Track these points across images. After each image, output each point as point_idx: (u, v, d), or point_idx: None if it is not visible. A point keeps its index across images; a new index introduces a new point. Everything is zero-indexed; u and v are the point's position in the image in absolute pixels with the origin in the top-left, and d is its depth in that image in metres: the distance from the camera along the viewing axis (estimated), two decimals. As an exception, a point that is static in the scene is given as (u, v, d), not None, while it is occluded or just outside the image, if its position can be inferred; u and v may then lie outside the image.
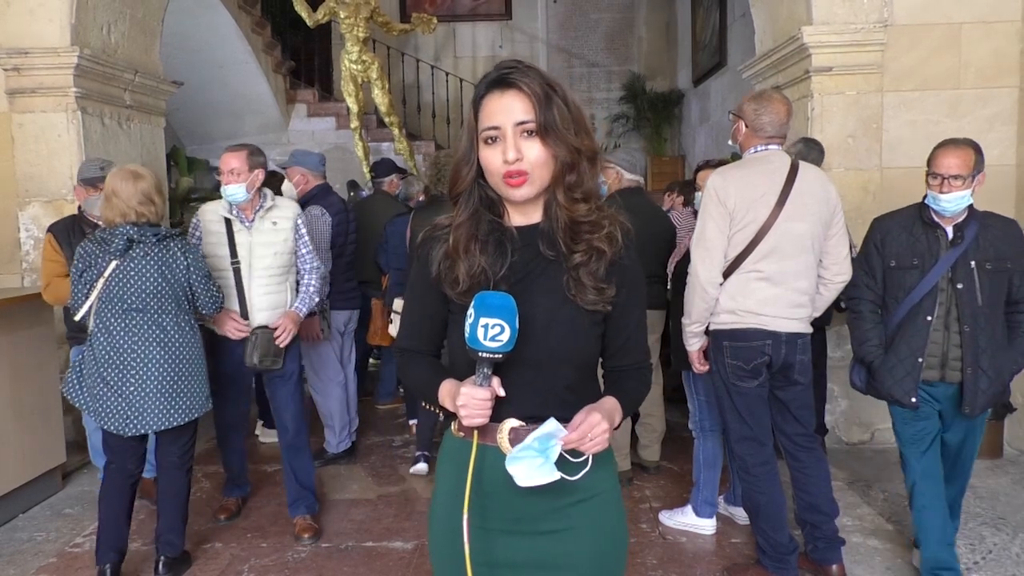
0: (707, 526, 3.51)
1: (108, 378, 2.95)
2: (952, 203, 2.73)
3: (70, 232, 3.61)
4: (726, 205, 2.83)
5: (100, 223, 3.29)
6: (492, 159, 1.41)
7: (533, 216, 1.48)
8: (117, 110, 4.93)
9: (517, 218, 1.48)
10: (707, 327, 2.99)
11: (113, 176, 3.04)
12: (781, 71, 4.83)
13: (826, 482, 3.05)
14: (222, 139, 8.71)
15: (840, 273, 2.97)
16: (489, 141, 1.41)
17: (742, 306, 2.86)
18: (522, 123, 1.39)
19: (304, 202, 4.38)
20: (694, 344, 3.05)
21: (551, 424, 1.36)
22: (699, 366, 3.10)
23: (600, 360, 1.56)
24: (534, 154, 1.39)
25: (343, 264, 4.53)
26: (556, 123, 1.39)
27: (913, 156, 4.17)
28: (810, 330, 2.96)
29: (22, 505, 3.88)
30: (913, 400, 2.81)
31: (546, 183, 1.43)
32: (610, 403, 1.46)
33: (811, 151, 3.99)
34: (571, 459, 1.39)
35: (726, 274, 2.88)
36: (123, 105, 4.98)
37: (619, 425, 1.49)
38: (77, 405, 3.04)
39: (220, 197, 3.45)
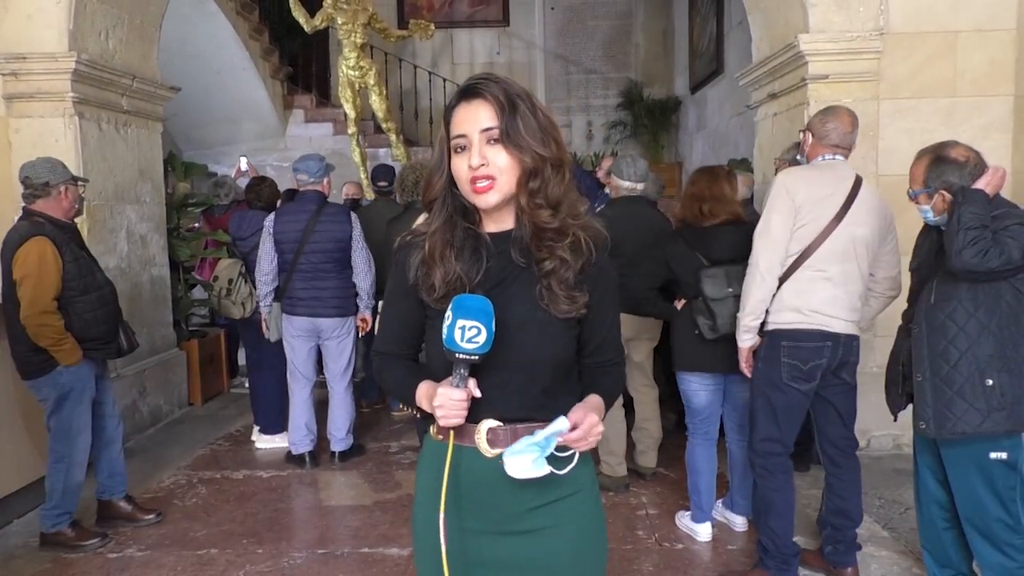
0: (703, 532, 3.51)
1: None
2: (924, 215, 2.63)
3: (69, 238, 3.47)
4: (794, 200, 2.87)
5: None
6: (461, 167, 1.45)
7: (505, 223, 1.51)
8: (114, 115, 4.93)
9: (490, 225, 1.52)
10: (762, 327, 2.98)
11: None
12: (778, 78, 4.85)
13: (859, 489, 3.09)
14: (219, 144, 8.71)
15: (892, 288, 3.02)
16: (458, 150, 1.45)
17: (807, 305, 2.87)
18: (487, 129, 1.42)
19: None
20: (747, 341, 3.02)
21: (561, 422, 1.38)
22: (745, 365, 3.06)
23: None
24: (500, 160, 1.43)
25: (300, 273, 4.42)
26: (519, 130, 1.42)
27: (908, 164, 4.15)
28: (860, 333, 3.01)
29: (17, 510, 3.86)
30: (897, 412, 2.76)
31: (512, 189, 1.45)
32: (596, 401, 1.50)
33: None
34: (558, 455, 1.42)
35: (790, 271, 2.90)
36: (120, 110, 4.98)
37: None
38: None
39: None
